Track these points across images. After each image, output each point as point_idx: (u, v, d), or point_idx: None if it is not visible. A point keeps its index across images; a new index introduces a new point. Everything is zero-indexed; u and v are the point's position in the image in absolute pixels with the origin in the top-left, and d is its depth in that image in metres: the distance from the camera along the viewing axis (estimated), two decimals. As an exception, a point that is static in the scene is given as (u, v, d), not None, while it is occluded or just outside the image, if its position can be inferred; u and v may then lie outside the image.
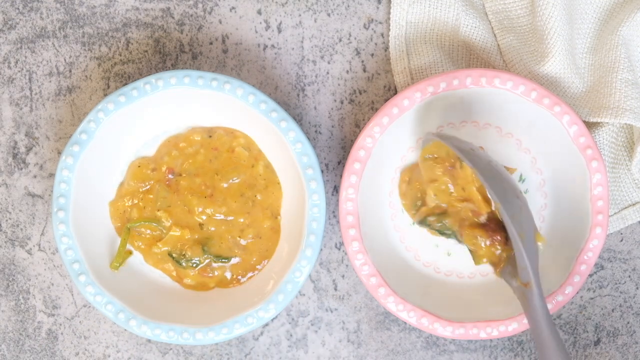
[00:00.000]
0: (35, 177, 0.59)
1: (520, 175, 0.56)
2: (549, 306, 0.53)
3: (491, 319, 0.54)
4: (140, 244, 0.56)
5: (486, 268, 0.57)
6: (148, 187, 0.56)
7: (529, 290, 0.48)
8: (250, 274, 0.56)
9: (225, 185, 0.56)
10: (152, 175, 0.56)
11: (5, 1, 0.58)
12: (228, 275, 0.57)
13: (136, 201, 0.56)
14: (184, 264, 0.56)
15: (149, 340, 0.59)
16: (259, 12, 0.58)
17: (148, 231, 0.56)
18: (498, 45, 0.58)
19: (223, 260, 0.56)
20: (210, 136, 0.56)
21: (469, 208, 0.52)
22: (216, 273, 0.56)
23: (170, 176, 0.56)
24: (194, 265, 0.56)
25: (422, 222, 0.55)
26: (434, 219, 0.54)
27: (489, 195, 0.51)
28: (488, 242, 0.52)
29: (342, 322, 0.59)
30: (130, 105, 0.53)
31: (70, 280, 0.59)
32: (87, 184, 0.54)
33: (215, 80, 0.53)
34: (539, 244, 0.49)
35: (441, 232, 0.54)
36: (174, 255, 0.56)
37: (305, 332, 0.59)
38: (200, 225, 0.56)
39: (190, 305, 0.56)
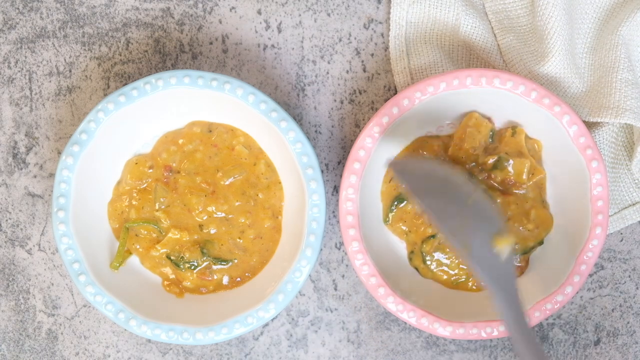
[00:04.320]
0: (35, 177, 0.59)
1: (520, 175, 0.56)
2: (549, 306, 0.53)
3: (491, 319, 0.54)
4: (138, 246, 0.56)
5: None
6: (145, 185, 0.56)
7: (493, 299, 0.46)
8: (250, 275, 0.56)
9: (226, 182, 0.56)
10: (150, 173, 0.56)
11: (5, 1, 0.58)
12: (228, 277, 0.56)
13: (134, 202, 0.56)
14: (182, 266, 0.56)
15: (149, 340, 0.59)
16: (259, 12, 0.58)
17: (145, 232, 0.56)
18: (498, 45, 0.58)
19: (222, 262, 0.56)
20: (210, 130, 0.56)
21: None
22: (215, 277, 0.56)
23: (167, 173, 0.56)
24: (192, 267, 0.56)
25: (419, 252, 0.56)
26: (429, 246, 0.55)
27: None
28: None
29: (342, 322, 0.59)
30: (130, 105, 0.53)
31: (70, 280, 0.59)
32: (87, 184, 0.54)
33: (215, 80, 0.53)
34: (506, 246, 0.47)
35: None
36: (172, 257, 0.56)
37: (305, 332, 0.59)
38: (200, 226, 0.56)
39: (190, 305, 0.56)
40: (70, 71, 0.58)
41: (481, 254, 0.46)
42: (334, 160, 0.59)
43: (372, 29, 0.58)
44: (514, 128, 0.54)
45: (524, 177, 0.54)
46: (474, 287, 0.56)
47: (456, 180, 0.49)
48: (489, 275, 0.46)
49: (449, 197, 0.48)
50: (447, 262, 0.56)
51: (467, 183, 0.49)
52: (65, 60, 0.58)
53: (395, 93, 0.58)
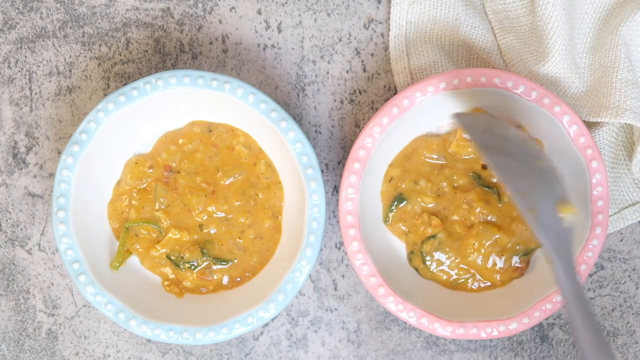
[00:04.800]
0: (35, 177, 0.59)
1: (520, 175, 0.56)
2: (549, 306, 0.53)
3: (491, 319, 0.54)
4: (138, 246, 0.56)
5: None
6: (145, 185, 0.56)
7: (552, 266, 0.45)
8: (250, 275, 0.56)
9: (226, 182, 0.56)
10: (150, 173, 0.56)
11: (5, 1, 0.58)
12: (228, 277, 0.56)
13: (134, 202, 0.56)
14: (182, 266, 0.55)
15: (149, 340, 0.59)
16: (259, 12, 0.58)
17: (145, 232, 0.56)
18: (498, 45, 0.58)
19: (222, 262, 0.56)
20: (210, 130, 0.56)
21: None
22: (215, 277, 0.56)
23: (167, 173, 0.56)
24: (192, 267, 0.56)
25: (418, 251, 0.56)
26: (429, 246, 0.55)
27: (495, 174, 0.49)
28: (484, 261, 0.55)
29: (342, 322, 0.59)
30: (130, 105, 0.53)
31: (70, 280, 0.59)
32: (87, 184, 0.54)
33: (215, 80, 0.53)
34: (569, 214, 0.46)
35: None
36: (172, 257, 0.56)
37: (305, 332, 0.59)
38: (200, 226, 0.56)
39: (190, 305, 0.56)
40: (70, 71, 0.58)
41: (547, 218, 0.46)
42: (334, 160, 0.59)
43: (372, 29, 0.58)
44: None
45: None
46: (473, 287, 0.56)
47: (525, 142, 0.49)
48: (551, 241, 0.45)
49: (518, 157, 0.47)
50: (447, 262, 0.56)
51: (534, 147, 0.49)
52: (65, 60, 0.58)
53: (395, 93, 0.58)
